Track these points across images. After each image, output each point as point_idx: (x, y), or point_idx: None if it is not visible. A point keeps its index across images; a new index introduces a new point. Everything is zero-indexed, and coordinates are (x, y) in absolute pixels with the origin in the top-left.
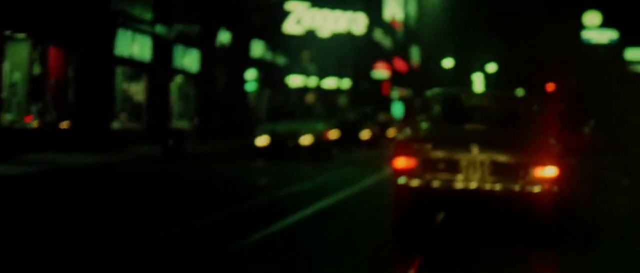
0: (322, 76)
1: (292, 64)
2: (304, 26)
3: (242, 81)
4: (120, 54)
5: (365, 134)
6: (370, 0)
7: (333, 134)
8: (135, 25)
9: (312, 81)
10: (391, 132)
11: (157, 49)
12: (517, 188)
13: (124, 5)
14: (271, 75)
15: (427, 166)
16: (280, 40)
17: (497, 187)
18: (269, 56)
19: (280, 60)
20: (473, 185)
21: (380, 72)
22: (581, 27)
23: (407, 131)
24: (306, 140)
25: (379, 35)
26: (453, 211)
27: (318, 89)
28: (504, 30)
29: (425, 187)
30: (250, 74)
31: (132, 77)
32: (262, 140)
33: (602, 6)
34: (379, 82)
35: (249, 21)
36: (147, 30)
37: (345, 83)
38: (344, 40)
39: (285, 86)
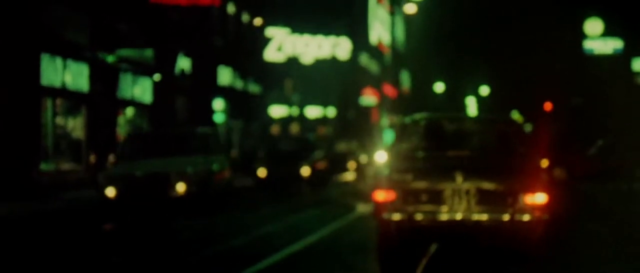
0: (305, 105)
1: (274, 93)
2: (286, 53)
3: (209, 111)
4: (48, 83)
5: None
6: (355, 23)
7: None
8: (67, 51)
9: (295, 110)
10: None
11: (96, 77)
12: (505, 217)
13: (52, 27)
14: (244, 105)
15: (408, 198)
16: (257, 67)
17: (484, 217)
18: (239, 84)
19: (253, 88)
20: (458, 216)
21: (368, 98)
22: (582, 37)
23: (388, 162)
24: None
25: (365, 60)
26: (440, 243)
27: (301, 119)
28: (496, 50)
29: (408, 221)
30: (218, 104)
31: (70, 110)
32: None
33: (603, 14)
34: (367, 110)
35: (212, 44)
36: (83, 56)
37: (331, 111)
38: (327, 66)
39: (266, 116)
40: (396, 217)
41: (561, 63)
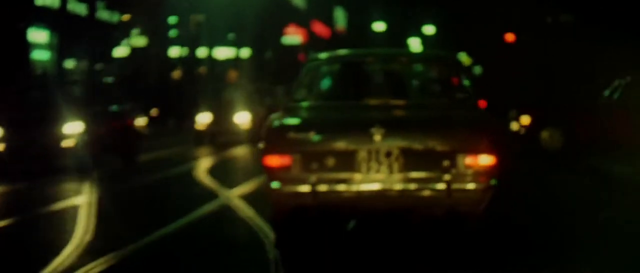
0: (214, 44)
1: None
2: None
3: (22, 46)
4: None
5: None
6: None
7: None
8: None
9: (203, 52)
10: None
11: None
12: (439, 186)
13: None
14: (97, 38)
15: (310, 163)
16: None
17: (412, 186)
18: (78, 7)
19: (106, 14)
20: (377, 186)
21: (292, 37)
22: None
23: (282, 114)
24: None
25: None
26: (354, 223)
27: (209, 61)
28: None
29: (309, 194)
30: (38, 35)
31: None
32: None
33: None
34: (291, 51)
35: None
36: None
37: (246, 52)
38: None
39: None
40: (294, 189)
41: None
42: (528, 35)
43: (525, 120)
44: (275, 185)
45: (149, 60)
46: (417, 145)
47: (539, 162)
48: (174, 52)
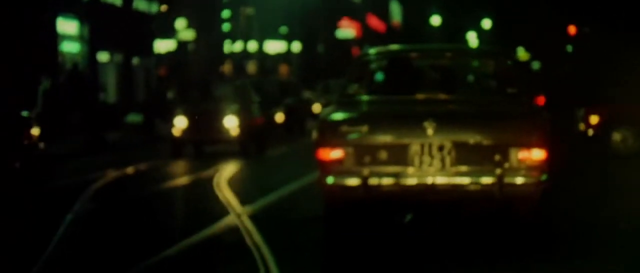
0: (264, 39)
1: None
2: None
3: (51, 37)
4: None
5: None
6: None
7: None
8: None
9: (253, 45)
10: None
11: None
12: (491, 180)
13: None
14: (134, 30)
15: (363, 156)
16: None
17: (464, 180)
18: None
19: (147, 6)
20: (429, 179)
21: (346, 31)
22: None
23: (335, 108)
24: None
25: None
26: (406, 215)
27: (260, 55)
28: None
29: (361, 187)
30: (68, 25)
31: None
32: None
33: None
34: (345, 45)
35: None
36: None
37: (297, 46)
38: None
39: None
40: (346, 182)
41: None
42: (594, 27)
43: (594, 119)
44: (327, 178)
45: (197, 54)
46: (470, 139)
47: (610, 166)
48: (226, 46)
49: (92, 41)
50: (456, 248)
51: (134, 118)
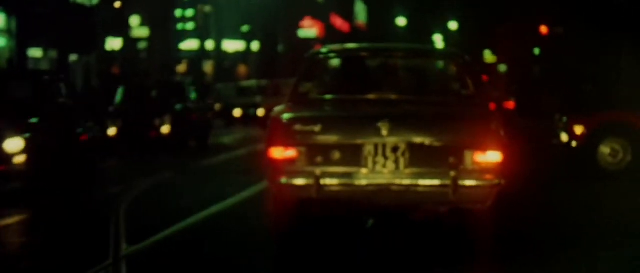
0: (222, 37)
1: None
2: None
3: None
4: None
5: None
6: None
7: None
8: None
9: (211, 44)
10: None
11: None
12: (446, 182)
13: None
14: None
15: (315, 156)
16: None
17: (418, 181)
18: None
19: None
20: (382, 180)
21: (308, 30)
22: None
23: (287, 106)
24: None
25: None
26: (357, 217)
27: (217, 54)
28: None
29: (314, 187)
30: None
31: None
32: None
33: None
34: (307, 45)
35: None
36: None
37: (257, 46)
38: None
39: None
40: (298, 182)
41: None
42: (568, 26)
43: (579, 129)
44: (279, 178)
45: (151, 53)
46: (424, 141)
47: (598, 185)
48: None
49: (21, 35)
50: (413, 255)
51: None
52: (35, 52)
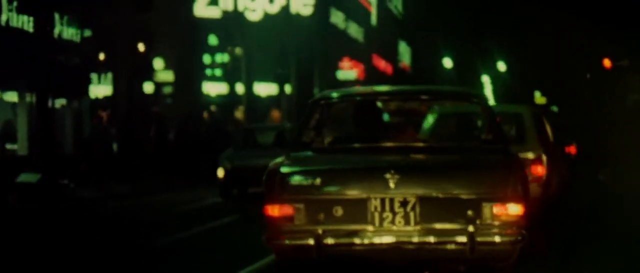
0: (253, 80)
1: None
2: (223, 7)
3: None
4: None
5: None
6: None
7: None
8: None
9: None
10: None
11: None
12: (462, 239)
13: None
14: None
15: (314, 213)
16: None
17: (430, 239)
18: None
19: (72, 32)
20: (390, 238)
21: (348, 72)
22: None
23: (286, 158)
24: None
25: (339, 19)
26: None
27: (248, 97)
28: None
29: (314, 248)
30: None
31: None
32: None
33: None
34: (347, 87)
35: None
36: None
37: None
38: (282, 24)
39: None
40: (298, 242)
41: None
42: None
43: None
44: (276, 238)
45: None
46: (437, 193)
47: None
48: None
49: None
50: None
51: (27, 177)
52: (11, 97)
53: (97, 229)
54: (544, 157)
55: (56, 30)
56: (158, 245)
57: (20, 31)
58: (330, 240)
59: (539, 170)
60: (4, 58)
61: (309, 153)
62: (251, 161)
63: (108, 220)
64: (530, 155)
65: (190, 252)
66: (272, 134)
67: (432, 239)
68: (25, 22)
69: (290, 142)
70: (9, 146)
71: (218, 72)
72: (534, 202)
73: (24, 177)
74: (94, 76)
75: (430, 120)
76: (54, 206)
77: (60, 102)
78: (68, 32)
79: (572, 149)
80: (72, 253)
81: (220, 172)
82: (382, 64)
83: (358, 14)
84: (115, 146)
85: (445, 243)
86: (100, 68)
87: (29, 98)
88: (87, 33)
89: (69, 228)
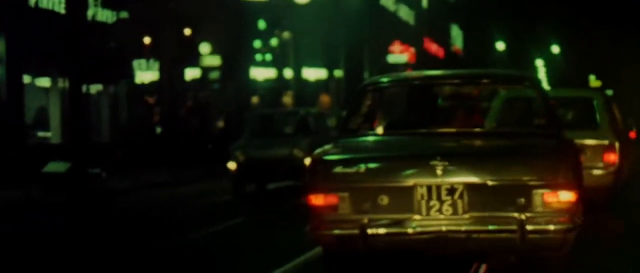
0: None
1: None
2: None
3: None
4: None
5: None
6: None
7: None
8: None
9: (289, 72)
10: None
11: None
12: (511, 227)
13: None
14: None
15: (361, 202)
16: None
17: (479, 228)
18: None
19: (108, 15)
20: (437, 227)
21: (399, 56)
22: None
23: (332, 146)
24: None
25: (389, 1)
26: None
27: (297, 82)
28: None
29: (359, 238)
30: None
31: None
32: None
33: None
34: (397, 71)
35: None
36: None
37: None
38: (332, 8)
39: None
40: (342, 232)
41: None
42: None
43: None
44: (320, 228)
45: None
46: (485, 180)
47: None
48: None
49: (15, 60)
50: None
51: (55, 167)
52: (43, 82)
53: (115, 225)
54: (617, 144)
55: (89, 12)
56: (179, 243)
57: (51, 13)
58: (375, 230)
59: (612, 157)
60: (35, 41)
61: (356, 140)
62: (268, 152)
63: (130, 215)
64: (604, 142)
65: (209, 253)
66: (292, 120)
67: (480, 228)
68: (56, 3)
69: (339, 127)
70: (41, 134)
71: (268, 56)
72: (605, 190)
73: (52, 166)
74: (142, 62)
75: (495, 105)
76: (79, 198)
77: (96, 88)
78: (103, 14)
79: (632, 134)
80: (77, 253)
81: (232, 165)
82: (433, 48)
83: None
84: (159, 129)
85: (495, 232)
86: (143, 53)
87: (62, 83)
88: (123, 15)
89: (86, 224)
